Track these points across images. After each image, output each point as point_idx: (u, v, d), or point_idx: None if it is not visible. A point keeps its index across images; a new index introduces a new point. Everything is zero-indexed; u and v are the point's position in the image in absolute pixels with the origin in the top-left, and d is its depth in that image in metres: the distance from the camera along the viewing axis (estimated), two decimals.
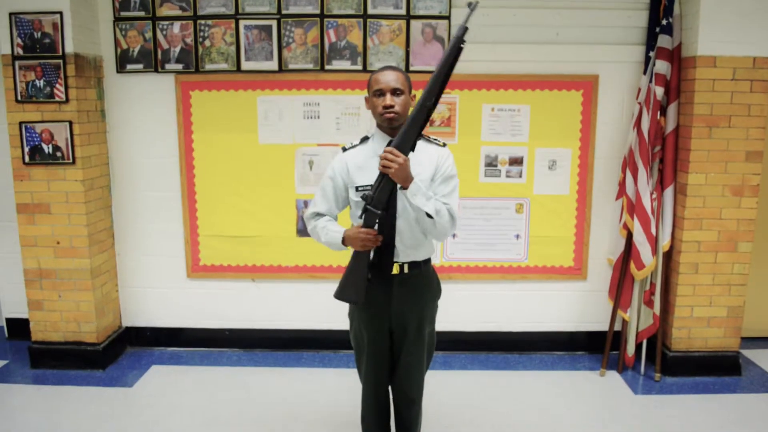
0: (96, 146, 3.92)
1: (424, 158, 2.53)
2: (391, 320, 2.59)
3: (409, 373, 2.67)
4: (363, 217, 2.43)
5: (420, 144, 2.56)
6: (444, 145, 2.60)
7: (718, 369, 3.94)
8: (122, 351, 4.26)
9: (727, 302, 3.87)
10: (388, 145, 2.37)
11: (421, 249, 2.57)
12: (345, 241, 2.50)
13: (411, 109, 2.42)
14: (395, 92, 2.45)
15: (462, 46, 2.31)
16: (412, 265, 2.56)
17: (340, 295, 2.55)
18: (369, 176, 2.49)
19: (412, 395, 2.72)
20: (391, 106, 2.43)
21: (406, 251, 2.52)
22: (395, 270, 2.53)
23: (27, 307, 3.99)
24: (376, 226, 2.43)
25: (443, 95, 3.85)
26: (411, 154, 2.45)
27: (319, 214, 2.64)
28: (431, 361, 2.78)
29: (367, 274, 2.48)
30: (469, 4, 2.34)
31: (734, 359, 3.94)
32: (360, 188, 2.53)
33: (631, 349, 3.99)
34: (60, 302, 3.93)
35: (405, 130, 2.33)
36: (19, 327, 4.38)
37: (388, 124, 2.46)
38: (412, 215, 2.49)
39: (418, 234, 2.52)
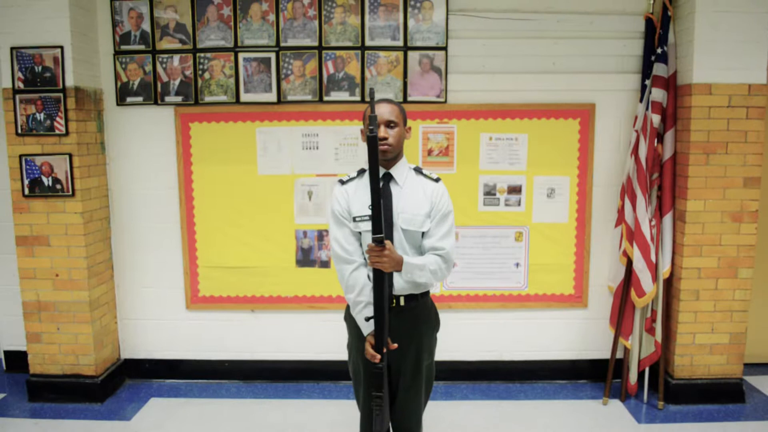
0: (96, 178, 3.94)
1: (418, 192, 2.55)
2: (388, 354, 2.57)
3: (407, 407, 2.64)
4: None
5: (413, 177, 2.59)
6: (437, 180, 2.61)
7: (721, 396, 3.90)
8: (121, 383, 4.22)
9: (729, 329, 3.85)
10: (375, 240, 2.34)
11: (419, 284, 2.56)
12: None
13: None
14: (389, 124, 2.48)
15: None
16: (409, 297, 2.56)
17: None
18: (366, 207, 2.51)
19: (412, 428, 2.68)
20: (385, 138, 2.45)
21: (404, 285, 2.52)
22: (392, 303, 2.52)
23: (25, 340, 3.96)
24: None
25: (440, 124, 3.90)
26: (402, 189, 2.51)
27: (349, 254, 2.56)
28: (431, 394, 2.76)
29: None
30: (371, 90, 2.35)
31: (737, 386, 3.91)
32: (358, 218, 2.53)
33: (633, 377, 3.96)
34: (58, 335, 3.91)
35: (372, 198, 2.31)
36: (17, 360, 4.36)
37: (382, 156, 2.48)
38: (407, 248, 2.51)
39: None
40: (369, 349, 2.45)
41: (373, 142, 2.27)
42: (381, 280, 2.37)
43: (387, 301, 2.41)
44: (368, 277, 2.54)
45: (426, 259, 2.49)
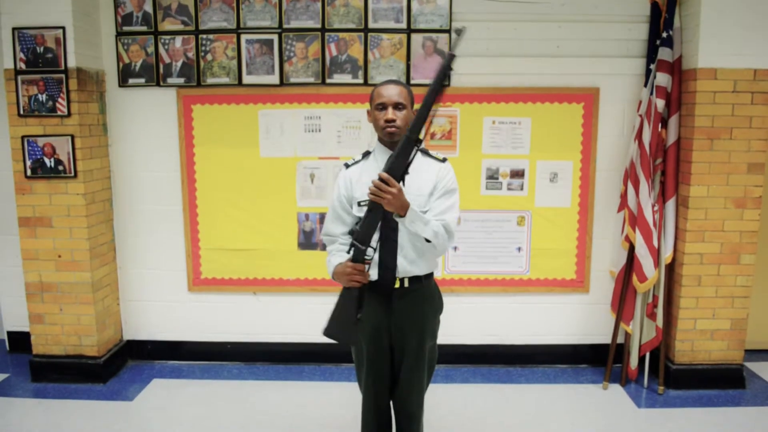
0: (98, 160, 3.93)
1: (423, 173, 2.53)
2: (391, 335, 2.59)
3: (409, 389, 2.65)
4: (351, 252, 2.47)
5: (419, 158, 2.57)
6: (444, 160, 2.60)
7: (721, 382, 3.91)
8: (123, 364, 4.25)
9: (731, 314, 3.85)
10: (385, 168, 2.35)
11: (423, 263, 2.56)
12: (334, 277, 2.56)
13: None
14: (397, 106, 2.45)
15: (449, 73, 2.34)
16: (413, 279, 2.55)
17: (328, 332, 2.60)
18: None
19: (413, 410, 2.70)
20: (393, 121, 2.44)
21: (407, 266, 2.52)
22: (396, 284, 2.53)
23: (28, 321, 3.98)
24: (369, 257, 2.47)
25: (443, 108, 3.89)
26: (410, 172, 2.47)
27: (332, 237, 2.64)
28: (432, 376, 2.77)
29: (357, 314, 2.51)
30: (457, 31, 2.34)
31: (738, 372, 3.92)
32: (362, 203, 2.52)
33: (634, 362, 3.97)
34: (61, 316, 3.93)
35: (394, 161, 2.32)
36: (20, 340, 4.38)
37: (389, 138, 2.47)
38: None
39: (418, 249, 2.52)
40: (348, 267, 2.47)
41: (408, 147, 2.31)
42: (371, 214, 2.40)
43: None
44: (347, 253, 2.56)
45: (430, 218, 2.46)
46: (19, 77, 3.70)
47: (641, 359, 3.99)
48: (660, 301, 3.84)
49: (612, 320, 4.05)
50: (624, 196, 3.91)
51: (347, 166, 2.64)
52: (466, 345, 4.21)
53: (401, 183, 2.35)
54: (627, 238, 3.86)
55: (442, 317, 2.75)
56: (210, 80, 3.94)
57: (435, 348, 2.74)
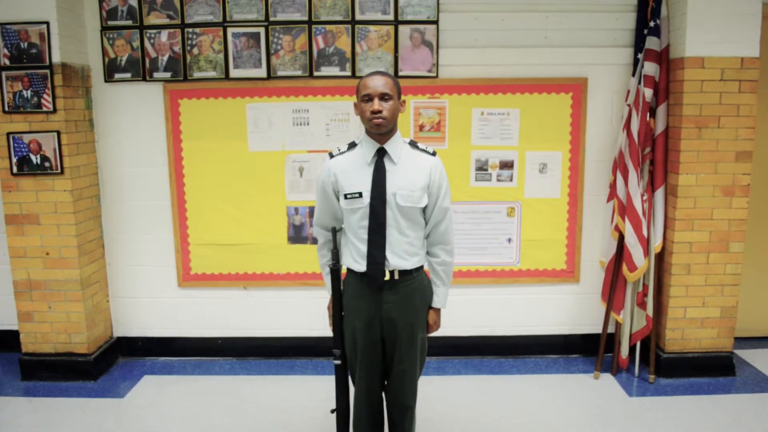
0: (85, 156, 3.90)
1: (414, 168, 2.53)
2: (383, 328, 2.58)
3: (402, 381, 2.66)
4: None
5: (409, 151, 2.57)
6: (434, 153, 2.59)
7: (712, 369, 3.93)
8: (114, 361, 4.23)
9: (720, 302, 3.87)
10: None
11: (411, 257, 2.56)
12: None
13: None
14: (383, 97, 2.44)
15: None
16: (403, 272, 2.55)
17: None
18: (357, 184, 2.50)
19: (406, 402, 2.70)
20: (379, 111, 2.42)
21: (396, 260, 2.51)
22: (386, 277, 2.53)
23: (17, 319, 3.95)
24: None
25: (432, 99, 3.87)
26: (397, 165, 2.50)
27: (326, 229, 2.71)
28: (423, 367, 2.77)
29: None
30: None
31: (728, 359, 3.94)
32: (348, 196, 2.52)
33: (624, 351, 3.98)
34: (50, 313, 3.90)
35: None
36: (9, 339, 4.34)
37: (375, 129, 2.46)
38: (403, 224, 2.50)
39: (408, 244, 2.53)
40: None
41: None
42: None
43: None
44: (336, 238, 2.69)
45: (441, 273, 2.66)
46: (3, 73, 3.66)
47: (632, 348, 4.00)
48: (650, 290, 3.85)
49: (602, 310, 4.06)
50: (613, 186, 3.91)
51: (331, 155, 2.63)
52: (457, 336, 4.21)
53: None
54: (616, 228, 3.87)
55: None
56: (197, 74, 3.91)
57: (425, 339, 2.74)
